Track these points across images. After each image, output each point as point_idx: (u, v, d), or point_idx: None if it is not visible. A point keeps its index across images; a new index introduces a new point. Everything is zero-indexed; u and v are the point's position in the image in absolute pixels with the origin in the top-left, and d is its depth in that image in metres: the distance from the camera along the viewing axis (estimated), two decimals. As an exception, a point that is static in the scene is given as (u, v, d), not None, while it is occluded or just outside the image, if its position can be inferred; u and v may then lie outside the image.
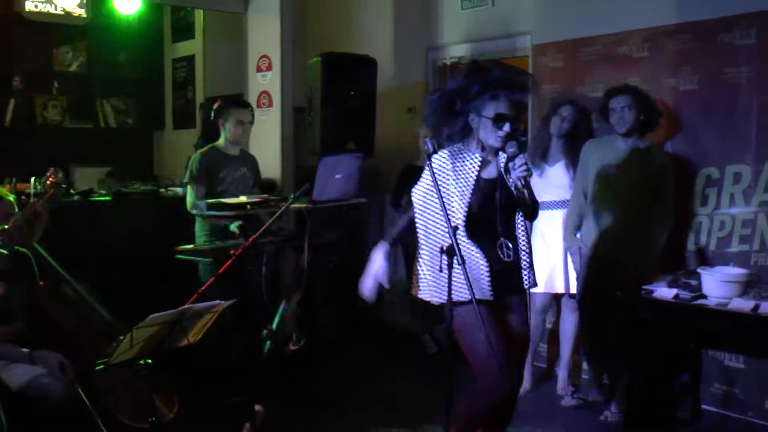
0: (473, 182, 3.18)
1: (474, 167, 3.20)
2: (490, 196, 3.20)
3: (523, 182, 3.07)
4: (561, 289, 4.63)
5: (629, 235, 4.22)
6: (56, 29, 6.86)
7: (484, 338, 2.88)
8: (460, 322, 3.07)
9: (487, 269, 3.11)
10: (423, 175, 3.23)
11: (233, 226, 4.43)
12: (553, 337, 5.08)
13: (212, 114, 4.85)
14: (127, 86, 7.70)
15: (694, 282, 3.96)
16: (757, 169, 4.17)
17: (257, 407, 4.10)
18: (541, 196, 4.31)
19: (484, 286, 3.10)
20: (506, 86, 3.15)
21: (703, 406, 4.39)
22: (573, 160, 4.57)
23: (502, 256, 3.18)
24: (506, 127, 3.11)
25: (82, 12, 6.33)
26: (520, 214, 3.24)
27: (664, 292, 3.95)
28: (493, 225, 3.20)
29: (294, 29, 6.04)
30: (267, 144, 5.84)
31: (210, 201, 4.39)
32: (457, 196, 3.17)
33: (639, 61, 4.69)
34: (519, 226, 3.25)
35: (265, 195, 4.68)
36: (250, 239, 3.84)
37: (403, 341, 5.93)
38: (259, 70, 6.07)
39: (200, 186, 4.67)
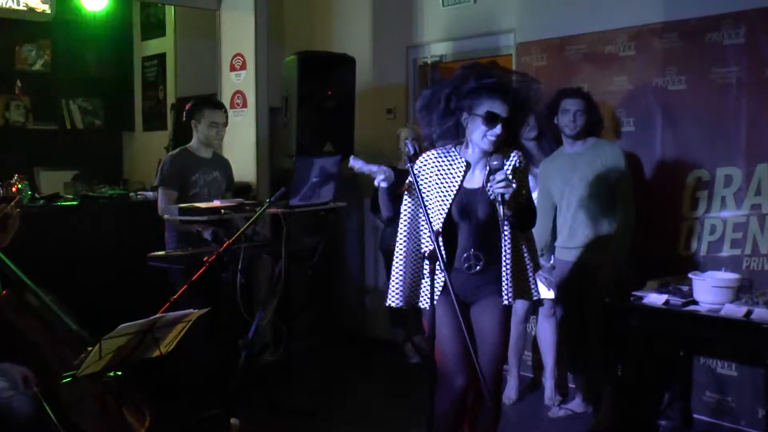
0: (455, 191, 3.17)
1: (458, 175, 3.18)
2: (469, 207, 3.16)
3: (501, 198, 2.99)
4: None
5: (596, 235, 4.27)
6: (19, 26, 6.76)
7: (440, 333, 2.97)
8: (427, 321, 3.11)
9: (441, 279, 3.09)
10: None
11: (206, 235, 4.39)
12: (538, 345, 5.06)
13: (184, 115, 4.80)
14: (95, 86, 7.59)
15: (684, 287, 3.97)
16: (748, 172, 4.18)
17: (233, 420, 4.06)
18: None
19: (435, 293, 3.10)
20: (504, 89, 3.09)
21: (695, 415, 4.39)
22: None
23: (468, 268, 3.17)
24: (497, 129, 3.05)
25: (46, 8, 6.25)
26: (507, 226, 3.15)
27: (654, 298, 3.95)
28: (467, 235, 3.18)
29: (269, 26, 5.99)
30: (241, 146, 5.79)
31: (182, 206, 4.34)
32: (437, 202, 3.16)
33: (625, 60, 4.70)
34: (505, 238, 3.15)
35: (240, 199, 4.64)
36: (225, 245, 3.79)
37: (383, 351, 5.91)
38: (232, 69, 6.02)
39: (172, 190, 4.62)
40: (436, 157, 3.22)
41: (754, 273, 4.13)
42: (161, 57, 7.52)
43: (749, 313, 3.63)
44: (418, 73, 6.10)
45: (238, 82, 5.97)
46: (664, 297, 3.92)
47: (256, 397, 4.63)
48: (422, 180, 3.19)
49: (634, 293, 4.04)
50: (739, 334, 3.74)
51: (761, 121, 4.15)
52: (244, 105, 5.92)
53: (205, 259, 3.80)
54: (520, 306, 4.66)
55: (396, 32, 6.16)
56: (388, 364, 5.67)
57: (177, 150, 4.84)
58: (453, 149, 3.23)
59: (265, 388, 4.79)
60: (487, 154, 3.14)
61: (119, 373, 3.16)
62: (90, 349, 2.95)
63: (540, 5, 5.19)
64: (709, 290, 3.83)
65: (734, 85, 4.24)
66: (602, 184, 4.24)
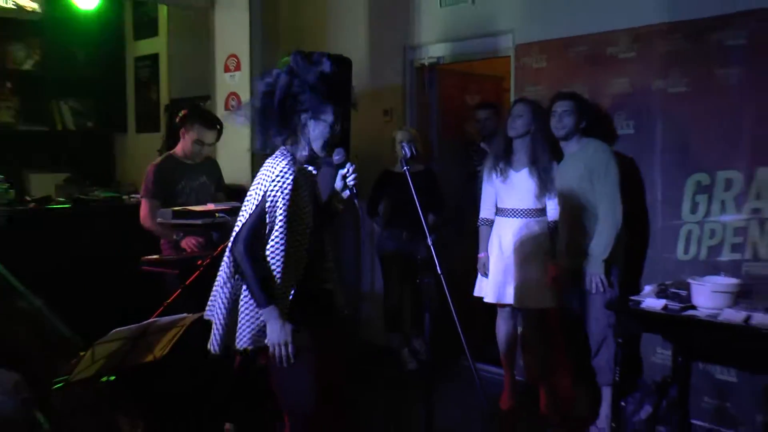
0: (314, 196, 3.17)
1: (312, 179, 3.18)
2: (319, 210, 3.16)
3: (352, 191, 3.09)
4: (511, 300, 4.72)
5: (575, 240, 4.42)
6: (7, 25, 6.82)
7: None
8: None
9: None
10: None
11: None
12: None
13: (177, 120, 4.84)
14: (86, 86, 7.64)
15: (683, 292, 4.03)
16: (749, 175, 4.24)
17: (227, 426, 4.11)
18: (505, 203, 4.70)
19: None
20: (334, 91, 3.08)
21: (693, 421, 4.45)
22: (536, 164, 4.66)
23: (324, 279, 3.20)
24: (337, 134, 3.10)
25: (35, 6, 6.30)
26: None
27: (652, 302, 4.00)
28: (319, 242, 3.19)
29: (264, 26, 6.05)
30: (236, 149, 5.84)
31: (176, 209, 4.39)
32: (306, 212, 3.11)
33: (627, 62, 4.75)
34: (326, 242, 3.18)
35: (234, 202, 4.69)
36: (219, 249, 3.85)
37: (379, 358, 5.95)
38: (227, 69, 6.07)
39: (155, 200, 4.65)
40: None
41: (754, 278, 4.18)
42: (154, 57, 7.58)
43: (748, 318, 3.68)
44: (415, 75, 6.17)
45: (233, 83, 6.02)
46: (662, 302, 3.97)
47: (250, 403, 4.67)
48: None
49: (632, 298, 4.11)
50: (739, 340, 3.80)
51: (763, 124, 4.20)
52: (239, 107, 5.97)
53: (199, 262, 3.87)
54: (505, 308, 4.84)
55: (393, 33, 6.22)
56: (385, 372, 5.70)
57: (161, 158, 4.85)
58: (294, 153, 3.12)
59: (259, 393, 4.84)
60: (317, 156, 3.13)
61: (112, 378, 3.22)
62: (82, 354, 3.01)
63: (540, 6, 5.25)
64: (708, 295, 3.87)
65: (737, 86, 4.29)
66: (584, 185, 4.37)
